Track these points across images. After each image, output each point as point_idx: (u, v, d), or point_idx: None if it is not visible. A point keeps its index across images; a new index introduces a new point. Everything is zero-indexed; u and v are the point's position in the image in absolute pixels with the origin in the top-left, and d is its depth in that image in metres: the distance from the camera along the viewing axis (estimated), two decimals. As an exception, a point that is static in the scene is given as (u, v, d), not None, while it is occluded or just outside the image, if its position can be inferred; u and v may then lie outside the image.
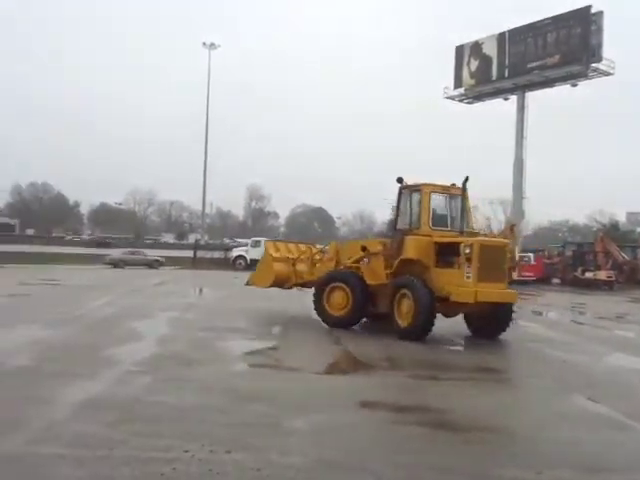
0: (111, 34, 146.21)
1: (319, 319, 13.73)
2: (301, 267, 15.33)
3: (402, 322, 11.97)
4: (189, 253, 48.25)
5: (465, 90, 54.80)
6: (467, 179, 12.62)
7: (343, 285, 13.30)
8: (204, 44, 57.27)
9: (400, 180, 12.99)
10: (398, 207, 13.28)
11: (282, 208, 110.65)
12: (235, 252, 43.23)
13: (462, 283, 11.58)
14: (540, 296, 28.89)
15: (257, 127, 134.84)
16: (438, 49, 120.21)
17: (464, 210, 12.79)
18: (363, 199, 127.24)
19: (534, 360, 11.04)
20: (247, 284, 16.43)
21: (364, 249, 13.42)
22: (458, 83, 54.41)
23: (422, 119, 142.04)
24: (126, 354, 9.48)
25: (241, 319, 14.38)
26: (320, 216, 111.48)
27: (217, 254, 45.53)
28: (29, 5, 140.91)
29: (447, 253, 12.16)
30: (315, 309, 13.78)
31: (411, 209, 12.99)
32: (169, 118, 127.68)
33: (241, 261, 41.04)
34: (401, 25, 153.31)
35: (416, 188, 12.84)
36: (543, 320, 19.26)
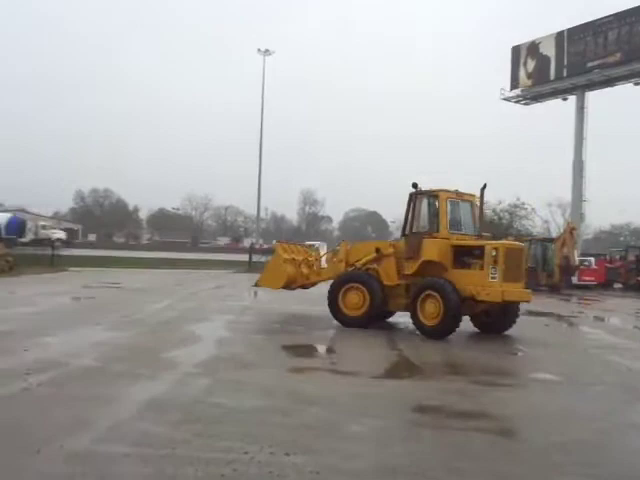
0: (163, 42, 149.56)
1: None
2: (305, 268, 15.80)
3: (427, 321, 12.61)
4: (244, 257, 48.85)
5: (522, 91, 53.85)
6: (485, 186, 13.65)
7: (360, 286, 13.69)
8: (259, 50, 58.05)
9: (415, 185, 13.59)
10: (414, 211, 13.72)
11: (336, 212, 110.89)
12: (289, 256, 43.41)
13: (487, 283, 12.45)
14: (602, 301, 27.99)
15: (311, 131, 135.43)
16: (493, 50, 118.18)
17: (480, 215, 14.02)
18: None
19: (598, 367, 10.70)
20: (256, 285, 16.60)
21: (378, 250, 14.01)
22: (515, 84, 53.52)
23: (477, 120, 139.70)
24: (186, 356, 9.66)
25: (296, 322, 14.47)
26: (374, 220, 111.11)
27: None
28: (108, 12, 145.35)
29: (464, 255, 13.14)
30: (330, 309, 13.98)
31: (430, 213, 13.63)
32: (224, 124, 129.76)
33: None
34: (459, 26, 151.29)
35: (433, 194, 13.52)
36: (605, 326, 18.67)
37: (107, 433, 5.61)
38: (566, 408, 7.62)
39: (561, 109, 54.31)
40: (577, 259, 35.00)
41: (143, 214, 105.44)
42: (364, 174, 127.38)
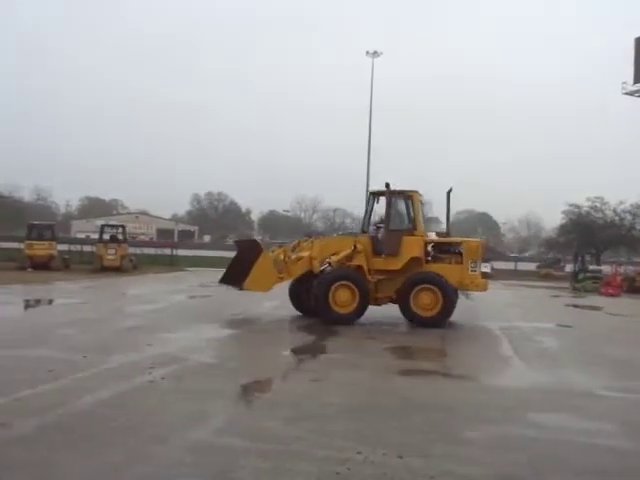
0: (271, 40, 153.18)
1: (486, 326, 13.69)
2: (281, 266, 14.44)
3: (424, 312, 13.66)
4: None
5: (647, 84, 50.51)
6: (451, 189, 14.79)
7: (350, 283, 13.65)
8: (367, 52, 58.12)
9: (388, 185, 14.13)
10: (389, 210, 14.23)
11: (444, 213, 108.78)
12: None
13: (469, 276, 14.19)
14: None
15: (417, 135, 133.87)
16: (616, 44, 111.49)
17: (447, 215, 15.44)
18: (532, 204, 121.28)
19: None
20: (241, 289, 14.02)
21: (355, 247, 14.18)
22: (638, 77, 50.26)
23: (595, 117, 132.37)
24: (295, 355, 9.88)
25: (403, 324, 14.32)
26: (484, 222, 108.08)
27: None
28: (185, 24, 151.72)
29: (436, 251, 14.55)
30: (317, 307, 13.75)
31: (407, 212, 14.47)
32: (333, 128, 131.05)
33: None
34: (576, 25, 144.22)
35: (408, 194, 14.41)
36: None
37: (226, 426, 5.83)
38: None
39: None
40: None
41: (255, 216, 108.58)
42: (476, 175, 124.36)
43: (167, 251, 43.82)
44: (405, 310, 13.97)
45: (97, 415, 6.01)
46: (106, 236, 33.84)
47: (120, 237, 33.92)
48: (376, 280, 14.21)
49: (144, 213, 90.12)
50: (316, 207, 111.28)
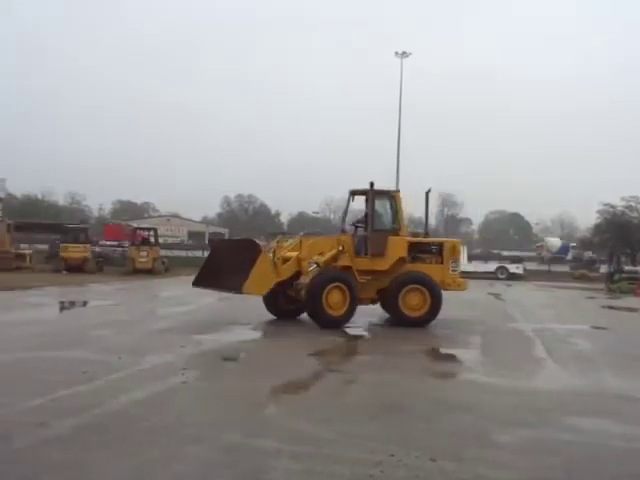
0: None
1: (518, 327, 13.61)
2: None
3: (412, 313, 13.63)
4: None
5: None
6: (430, 190, 15.17)
7: (342, 285, 13.28)
8: (396, 53, 57.88)
9: (372, 185, 13.97)
10: (372, 209, 14.05)
11: (476, 214, 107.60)
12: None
13: (450, 276, 14.40)
14: None
15: (448, 134, 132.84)
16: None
17: (427, 215, 15.78)
18: (565, 204, 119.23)
19: None
20: (240, 293, 12.82)
21: (343, 247, 13.79)
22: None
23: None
24: (327, 357, 9.88)
25: (436, 326, 14.20)
26: (516, 222, 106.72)
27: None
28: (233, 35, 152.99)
29: (416, 251, 14.54)
30: (312, 310, 13.25)
31: (392, 212, 14.32)
32: (362, 130, 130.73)
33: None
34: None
35: (392, 194, 14.44)
36: None
37: (258, 428, 5.86)
38: None
39: None
40: None
41: (284, 218, 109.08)
42: (507, 175, 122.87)
43: (198, 253, 44.20)
44: (393, 311, 13.95)
45: (131, 415, 6.10)
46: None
47: (152, 240, 34.36)
48: (364, 281, 13.86)
49: (175, 216, 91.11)
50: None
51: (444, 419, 6.43)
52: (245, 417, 6.20)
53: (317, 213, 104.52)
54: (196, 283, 14.26)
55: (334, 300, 13.19)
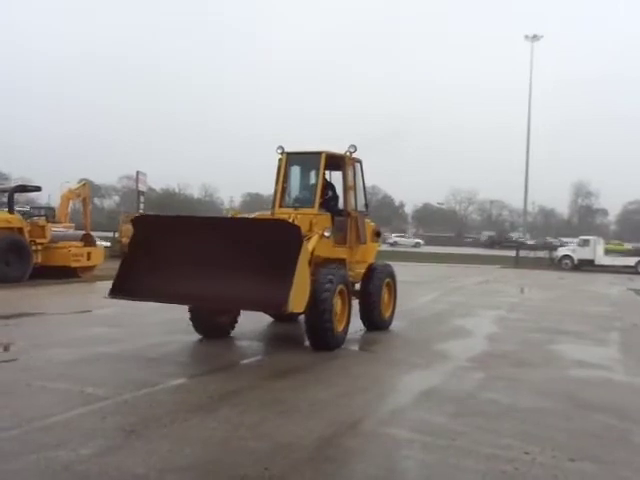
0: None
1: None
2: None
3: (386, 312, 11.25)
4: (509, 252, 47.48)
5: None
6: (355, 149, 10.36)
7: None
8: (526, 37, 55.38)
9: (355, 149, 10.34)
10: (355, 183, 10.56)
11: (613, 204, 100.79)
12: (561, 251, 41.10)
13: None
14: None
15: (586, 122, 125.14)
16: None
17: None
18: None
19: None
20: (285, 312, 7.85)
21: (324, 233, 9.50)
22: None
23: None
24: (457, 349, 9.75)
25: (571, 322, 13.56)
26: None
27: (541, 253, 43.89)
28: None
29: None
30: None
31: (364, 188, 11.15)
32: (488, 122, 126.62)
33: (567, 261, 38.78)
34: None
35: (361, 164, 10.85)
36: None
37: (390, 417, 5.96)
38: None
39: None
40: None
41: (409, 209, 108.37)
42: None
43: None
44: (372, 312, 10.81)
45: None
46: None
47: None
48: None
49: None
50: (472, 199, 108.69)
51: (581, 418, 6.18)
52: (377, 407, 6.34)
53: (442, 204, 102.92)
54: (112, 293, 8.52)
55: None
